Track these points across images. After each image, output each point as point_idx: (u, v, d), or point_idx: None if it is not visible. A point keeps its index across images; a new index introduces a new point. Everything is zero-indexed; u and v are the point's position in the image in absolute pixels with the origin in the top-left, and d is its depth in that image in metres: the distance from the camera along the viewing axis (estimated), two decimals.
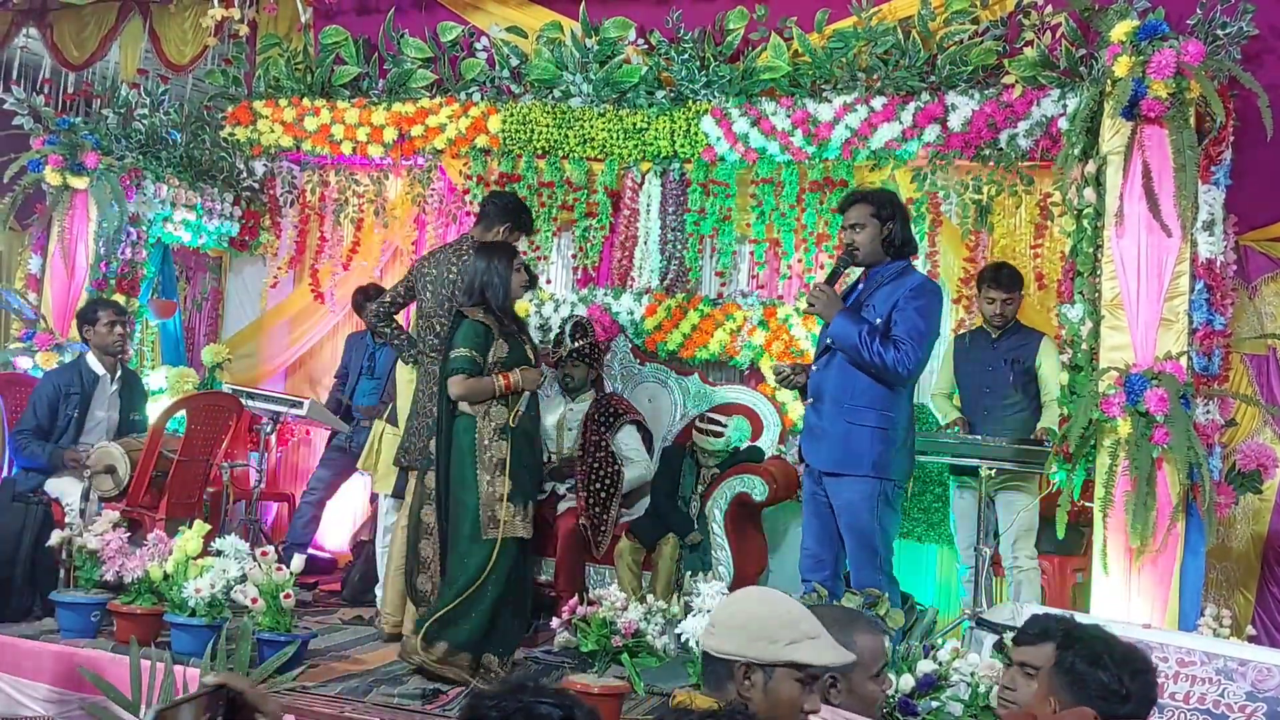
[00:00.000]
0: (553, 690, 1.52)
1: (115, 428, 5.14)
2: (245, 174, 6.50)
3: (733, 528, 4.93)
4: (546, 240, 5.94)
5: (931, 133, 5.19)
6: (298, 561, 4.14)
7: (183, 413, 5.14)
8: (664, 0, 5.79)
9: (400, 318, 4.99)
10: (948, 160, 5.22)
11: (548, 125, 5.86)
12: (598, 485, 5.05)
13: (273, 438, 5.92)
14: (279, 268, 6.63)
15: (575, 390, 5.32)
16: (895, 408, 3.89)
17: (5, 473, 5.17)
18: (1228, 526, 4.98)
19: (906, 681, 3.31)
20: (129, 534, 4.34)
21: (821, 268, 5.45)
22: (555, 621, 3.74)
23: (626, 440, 5.21)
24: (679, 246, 5.75)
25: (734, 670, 1.98)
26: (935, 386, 5.14)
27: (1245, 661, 3.11)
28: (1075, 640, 2.34)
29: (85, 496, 4.73)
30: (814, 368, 4.10)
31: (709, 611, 3.50)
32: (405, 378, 4.80)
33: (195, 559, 4.14)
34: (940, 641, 3.62)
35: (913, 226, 4.23)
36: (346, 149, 6.27)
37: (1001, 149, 5.08)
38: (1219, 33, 4.45)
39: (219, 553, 4.12)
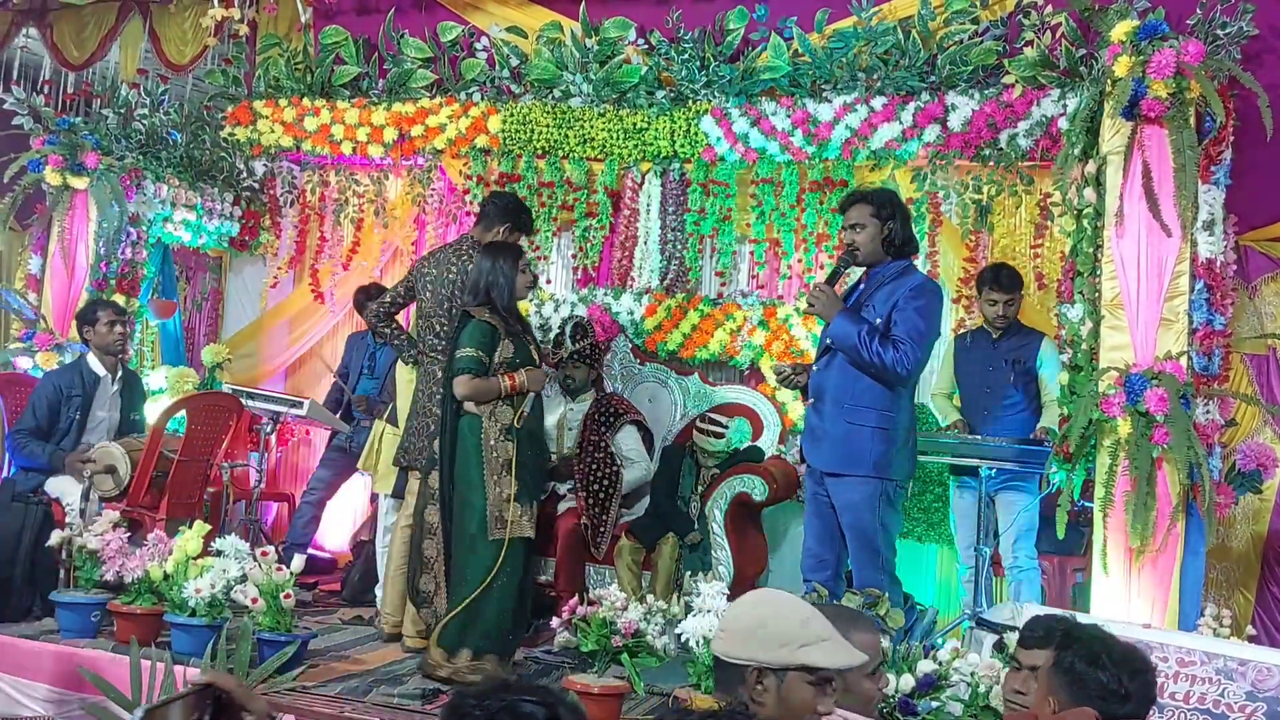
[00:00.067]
0: (536, 688, 1.52)
1: (116, 428, 5.14)
2: (245, 174, 6.50)
3: (733, 528, 4.93)
4: (546, 240, 5.94)
5: (931, 133, 5.20)
6: (298, 561, 4.13)
7: (183, 413, 5.14)
8: (664, 0, 5.79)
9: (401, 318, 4.99)
10: (948, 160, 5.23)
11: (548, 125, 5.86)
12: (596, 486, 5.05)
13: (273, 438, 5.92)
14: (279, 268, 6.63)
15: (576, 391, 5.32)
16: (896, 408, 3.89)
17: (5, 473, 5.17)
18: (1228, 526, 4.98)
19: (906, 681, 3.31)
20: (129, 534, 4.34)
21: (821, 268, 5.45)
22: (555, 621, 3.74)
23: (626, 441, 5.21)
24: (679, 246, 5.75)
25: (746, 675, 1.97)
26: (935, 387, 5.14)
27: (1245, 661, 3.11)
28: (1074, 640, 2.34)
29: (85, 496, 4.73)
30: (815, 368, 4.10)
31: (709, 611, 3.50)
32: (405, 378, 4.80)
33: (195, 559, 4.14)
34: (940, 641, 3.62)
35: (913, 226, 4.23)
36: (346, 149, 6.27)
37: (1001, 149, 5.08)
38: (1219, 33, 4.45)
39: (219, 553, 4.12)
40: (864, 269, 4.10)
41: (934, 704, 3.29)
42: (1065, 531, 4.11)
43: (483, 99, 6.05)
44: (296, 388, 6.62)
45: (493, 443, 4.09)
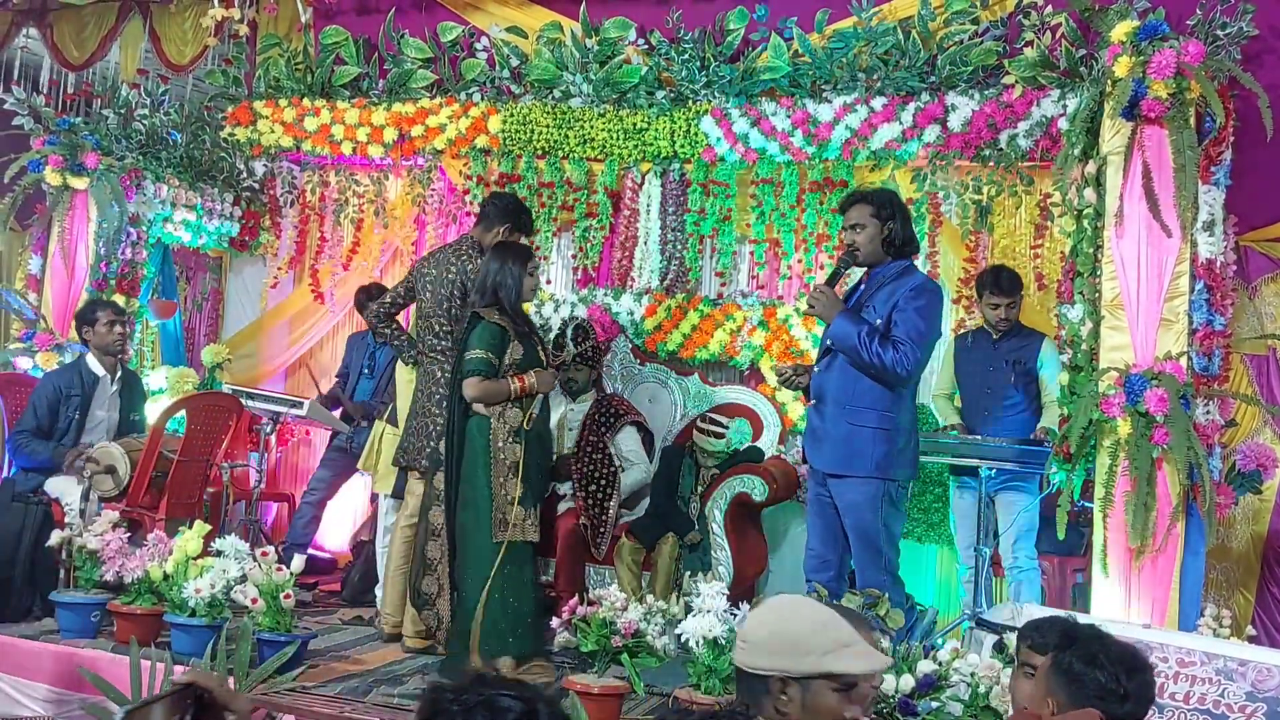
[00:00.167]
0: (514, 682, 1.51)
1: (115, 428, 5.14)
2: (245, 174, 6.50)
3: (733, 528, 4.93)
4: (546, 240, 5.94)
5: (931, 133, 5.20)
6: (298, 562, 4.13)
7: (183, 413, 5.14)
8: (664, 0, 5.80)
9: (401, 318, 4.99)
10: (948, 160, 5.23)
11: (548, 125, 5.87)
12: (595, 487, 5.05)
13: (273, 438, 5.92)
14: (279, 268, 6.63)
15: (577, 392, 5.32)
16: (897, 408, 3.89)
17: (5, 473, 5.17)
18: (1228, 527, 4.98)
19: (906, 681, 3.30)
20: (129, 534, 4.34)
21: (822, 268, 5.45)
22: (555, 621, 3.74)
23: (626, 442, 5.21)
24: (679, 246, 5.75)
25: (770, 685, 1.93)
26: (936, 387, 5.14)
27: (1245, 661, 3.11)
28: (1072, 640, 2.34)
29: (85, 496, 4.73)
30: (815, 369, 4.10)
31: (709, 612, 3.50)
32: (405, 378, 4.80)
33: (195, 559, 4.14)
34: (940, 642, 3.62)
35: (913, 226, 4.23)
36: (346, 149, 6.27)
37: (1001, 149, 5.08)
38: (1219, 33, 4.45)
39: (219, 553, 4.12)
40: (864, 269, 4.09)
41: (934, 704, 3.29)
42: (1065, 532, 4.12)
43: (483, 99, 6.05)
44: (296, 388, 6.62)
45: (500, 444, 4.09)
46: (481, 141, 5.99)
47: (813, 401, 4.06)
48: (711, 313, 5.63)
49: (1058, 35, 4.98)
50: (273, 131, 6.35)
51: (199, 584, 4.00)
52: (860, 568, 3.96)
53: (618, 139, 5.74)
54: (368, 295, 5.76)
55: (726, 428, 5.13)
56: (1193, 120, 4.00)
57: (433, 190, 6.22)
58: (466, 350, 4.15)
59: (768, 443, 5.35)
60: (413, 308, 4.89)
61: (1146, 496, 3.83)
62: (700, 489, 5.08)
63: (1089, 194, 4.17)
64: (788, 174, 5.54)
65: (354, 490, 6.24)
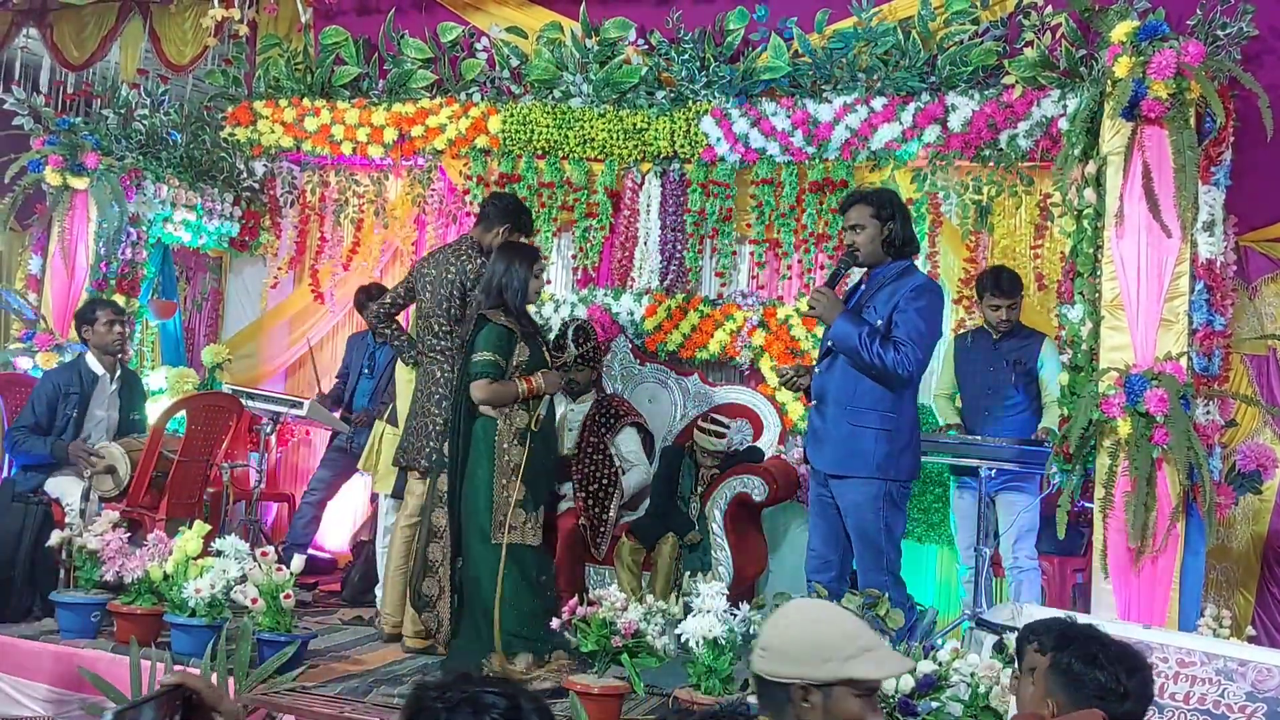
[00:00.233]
0: (497, 679, 1.52)
1: (115, 427, 5.14)
2: (245, 174, 6.50)
3: (732, 528, 4.93)
4: (546, 241, 5.94)
5: (931, 133, 5.20)
6: (298, 562, 4.13)
7: (183, 413, 5.14)
8: (664, 0, 5.80)
9: (401, 318, 4.99)
10: (948, 161, 5.23)
11: (548, 126, 5.87)
12: (595, 487, 5.05)
13: (273, 438, 5.92)
14: (279, 268, 6.63)
15: (578, 393, 5.32)
16: (899, 409, 3.89)
17: (5, 473, 5.17)
18: (1228, 527, 4.98)
19: (906, 682, 3.30)
20: (129, 534, 4.34)
21: (822, 268, 5.45)
22: (555, 622, 3.74)
23: (626, 443, 5.21)
24: (679, 246, 5.75)
25: (791, 693, 1.92)
26: (937, 387, 5.14)
27: (1245, 662, 3.11)
28: (1070, 641, 2.34)
29: (85, 496, 4.73)
30: (816, 370, 4.10)
31: (709, 612, 3.50)
32: (405, 378, 4.80)
33: (195, 559, 4.14)
34: (940, 642, 3.62)
35: (913, 227, 4.23)
36: (346, 149, 6.28)
37: (1001, 149, 5.08)
38: (1219, 33, 4.45)
39: (219, 553, 4.12)
40: (864, 270, 4.09)
41: (934, 704, 3.28)
42: (1065, 532, 4.11)
43: (483, 99, 6.05)
44: (296, 388, 6.62)
45: (505, 446, 4.08)
46: (481, 142, 5.99)
47: (814, 402, 4.06)
48: (711, 313, 5.63)
49: (1058, 35, 4.98)
50: (273, 131, 6.35)
51: (199, 584, 4.00)
52: (862, 568, 3.96)
53: (618, 139, 5.74)
54: (367, 295, 5.76)
55: (728, 428, 5.13)
56: (1193, 120, 4.00)
57: (433, 190, 6.22)
58: (474, 353, 4.14)
59: (768, 443, 5.34)
60: (412, 308, 4.90)
61: (1146, 497, 3.83)
62: (700, 489, 5.08)
63: (1089, 194, 4.17)
64: (788, 174, 5.54)
65: (354, 490, 6.24)
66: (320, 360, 6.73)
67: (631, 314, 5.72)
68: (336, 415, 5.91)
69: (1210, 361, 4.19)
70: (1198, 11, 4.53)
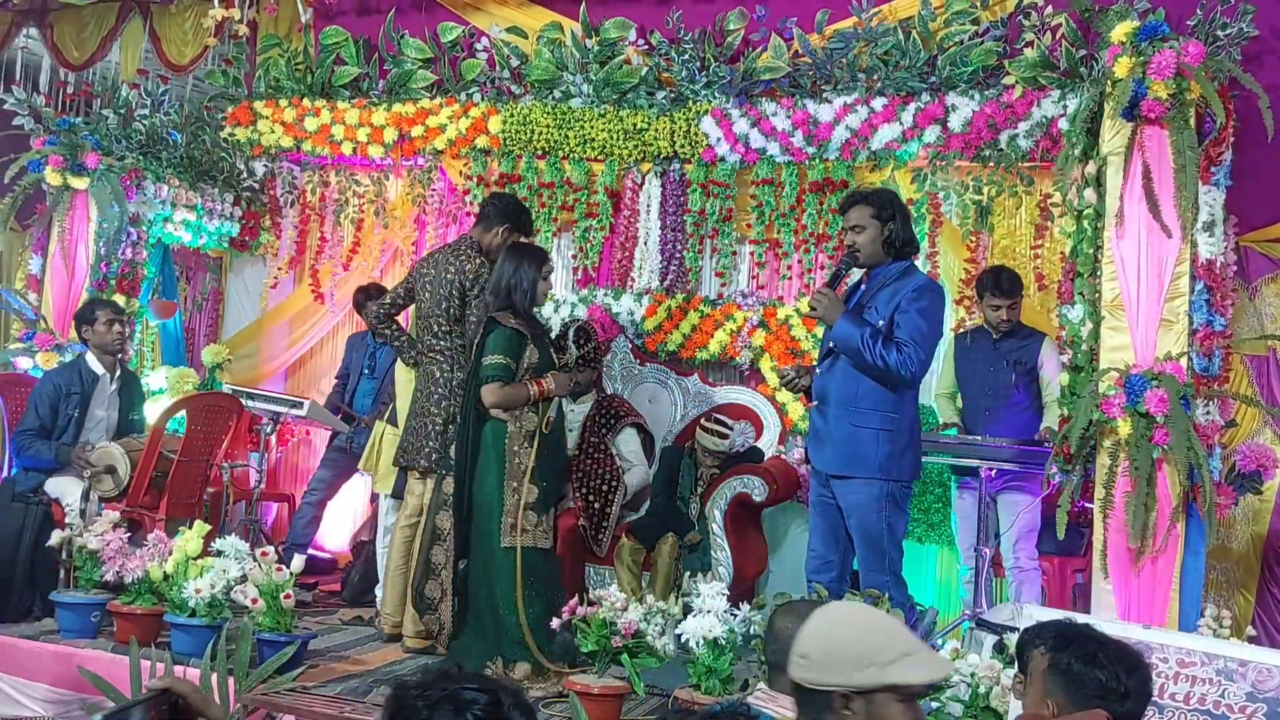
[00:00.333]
0: (477, 676, 1.52)
1: (115, 427, 5.14)
2: (245, 174, 6.50)
3: (732, 528, 4.93)
4: (547, 241, 5.94)
5: (932, 133, 5.20)
6: (298, 562, 4.13)
7: (183, 413, 5.14)
8: (664, 0, 5.80)
9: (401, 318, 4.99)
10: (948, 161, 5.23)
11: (548, 126, 5.87)
12: (595, 486, 5.04)
13: (273, 438, 5.92)
14: (279, 268, 6.63)
15: (579, 393, 5.32)
16: (900, 409, 3.89)
17: (5, 473, 5.17)
18: (1228, 527, 4.98)
19: None
20: (129, 534, 4.34)
21: (822, 269, 5.46)
22: (555, 622, 3.74)
23: (627, 444, 5.21)
24: (679, 247, 5.75)
25: (832, 701, 1.88)
26: (938, 387, 5.14)
27: (1245, 662, 3.11)
28: (1069, 640, 2.33)
29: (85, 496, 4.73)
30: (818, 370, 4.10)
31: (709, 612, 3.50)
32: (405, 378, 4.80)
33: (195, 559, 4.14)
34: (940, 642, 3.62)
35: (913, 227, 4.23)
36: (347, 149, 6.28)
37: (1002, 150, 5.08)
38: (1219, 33, 4.45)
39: (219, 553, 4.12)
40: (864, 270, 4.09)
41: (934, 704, 3.28)
42: (1065, 532, 4.11)
43: (483, 99, 6.05)
44: (296, 388, 6.62)
45: (515, 449, 4.08)
46: (481, 142, 5.99)
47: (815, 403, 4.05)
48: (711, 313, 5.63)
49: (1058, 36, 4.98)
50: (273, 132, 6.35)
51: (199, 584, 4.00)
52: (864, 569, 3.96)
53: (618, 139, 5.74)
54: (367, 295, 5.76)
55: (731, 429, 5.13)
56: (1193, 121, 3.99)
57: (433, 190, 6.22)
58: (484, 356, 4.13)
59: (768, 443, 5.34)
60: (412, 308, 4.90)
61: (1146, 497, 3.83)
62: (700, 489, 5.08)
63: (1089, 194, 4.16)
64: (788, 174, 5.54)
65: (354, 490, 6.24)
66: (320, 361, 6.74)
67: (631, 314, 5.72)
68: (338, 417, 5.91)
69: (1210, 362, 4.18)
70: (1198, 12, 4.53)
